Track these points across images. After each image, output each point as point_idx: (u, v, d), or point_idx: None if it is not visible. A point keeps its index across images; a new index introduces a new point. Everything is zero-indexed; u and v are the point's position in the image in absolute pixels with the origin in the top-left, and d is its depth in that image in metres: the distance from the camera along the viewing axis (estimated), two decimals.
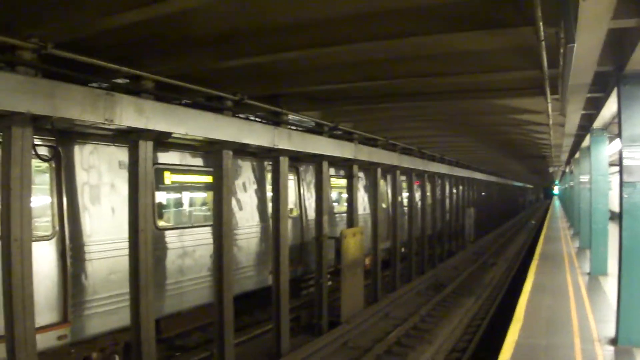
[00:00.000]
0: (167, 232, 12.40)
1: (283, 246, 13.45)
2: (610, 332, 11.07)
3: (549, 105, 12.49)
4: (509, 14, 7.74)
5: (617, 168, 11.23)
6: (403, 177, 24.26)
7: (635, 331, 10.34)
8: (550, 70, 9.63)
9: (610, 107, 12.42)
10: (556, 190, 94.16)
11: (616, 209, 11.67)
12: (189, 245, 12.79)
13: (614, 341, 10.71)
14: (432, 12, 8.08)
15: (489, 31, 8.28)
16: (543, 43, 7.86)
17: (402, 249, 24.05)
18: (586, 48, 7.37)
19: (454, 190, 33.84)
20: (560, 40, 7.51)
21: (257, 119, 12.97)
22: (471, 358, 15.17)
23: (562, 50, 7.89)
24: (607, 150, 17.23)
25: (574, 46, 6.85)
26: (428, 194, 27.95)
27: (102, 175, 10.89)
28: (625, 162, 9.92)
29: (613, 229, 15.78)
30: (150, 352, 9.82)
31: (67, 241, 10.17)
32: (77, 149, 10.47)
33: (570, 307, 13.78)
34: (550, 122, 15.13)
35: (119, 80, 9.54)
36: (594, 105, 13.67)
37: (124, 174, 10.55)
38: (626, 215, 10.06)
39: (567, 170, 42.46)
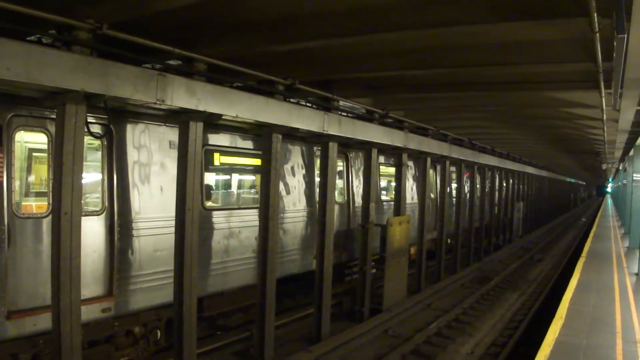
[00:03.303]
0: (214, 213, 12.53)
1: (328, 231, 13.52)
2: None
3: (603, 99, 12.29)
4: (563, 4, 7.61)
5: None
6: (452, 168, 24.11)
7: None
8: (605, 64, 9.45)
9: None
10: (609, 188, 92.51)
11: None
12: (234, 227, 12.91)
13: None
14: (486, 1, 8.01)
15: (543, 21, 8.15)
16: (597, 35, 7.72)
17: (449, 240, 23.95)
18: None
19: (504, 184, 33.45)
20: (614, 31, 7.37)
21: (307, 104, 13.00)
22: (511, 353, 15.07)
23: (615, 43, 7.75)
24: None
25: (625, 37, 6.73)
26: (477, 185, 27.73)
27: (152, 155, 11.05)
28: None
29: None
30: (192, 329, 9.97)
31: (116, 217, 10.36)
32: (128, 127, 10.62)
33: (615, 307, 13.63)
34: (604, 117, 14.88)
35: (172, 62, 9.63)
36: None
37: (174, 154, 10.70)
38: None
39: (620, 167, 41.66)
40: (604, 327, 11.92)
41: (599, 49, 8.52)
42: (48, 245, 8.86)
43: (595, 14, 6.89)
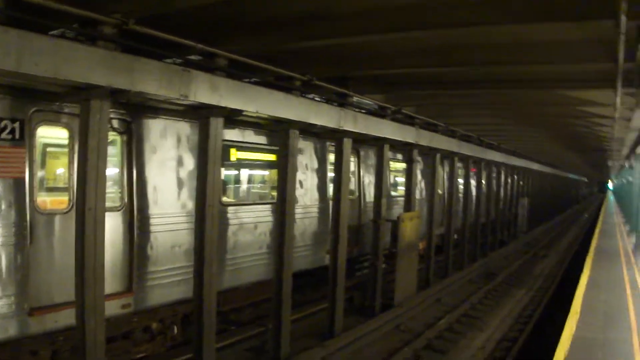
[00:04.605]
0: (230, 208, 12.53)
1: (342, 227, 13.49)
2: None
3: (618, 98, 12.30)
4: (591, 6, 7.62)
5: None
6: (459, 164, 24.11)
7: None
8: (626, 64, 9.46)
9: None
10: (611, 184, 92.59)
11: None
12: (249, 222, 12.92)
13: None
14: (522, 3, 8.02)
15: (566, 23, 8.18)
16: (623, 36, 7.74)
17: (455, 236, 23.95)
18: None
19: (509, 180, 33.40)
20: None
21: (322, 100, 12.98)
22: (522, 348, 15.11)
23: None
24: None
25: None
26: (483, 182, 27.71)
27: (170, 150, 11.00)
28: None
29: None
30: (211, 324, 9.99)
31: (135, 213, 10.35)
32: (147, 123, 10.57)
33: (627, 303, 13.67)
34: (617, 115, 14.89)
35: (192, 57, 9.60)
36: None
37: (192, 150, 10.72)
38: None
39: (626, 165, 41.65)
40: (618, 322, 11.99)
41: (622, 49, 8.52)
42: (68, 241, 8.82)
43: (624, 16, 6.91)
